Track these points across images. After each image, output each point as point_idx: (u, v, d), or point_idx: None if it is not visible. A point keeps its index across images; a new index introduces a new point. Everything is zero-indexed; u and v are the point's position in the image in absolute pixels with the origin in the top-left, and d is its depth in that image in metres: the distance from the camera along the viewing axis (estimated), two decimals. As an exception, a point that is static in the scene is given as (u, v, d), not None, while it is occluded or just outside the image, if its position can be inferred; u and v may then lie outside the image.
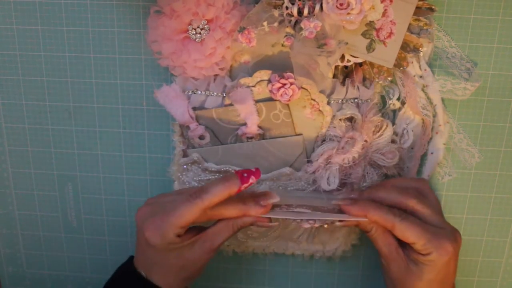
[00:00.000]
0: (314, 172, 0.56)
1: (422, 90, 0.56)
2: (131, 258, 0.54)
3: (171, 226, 0.48)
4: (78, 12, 0.57)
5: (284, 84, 0.53)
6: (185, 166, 0.57)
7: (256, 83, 0.55)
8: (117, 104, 0.60)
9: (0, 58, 0.60)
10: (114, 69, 0.59)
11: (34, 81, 0.60)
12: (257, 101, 0.55)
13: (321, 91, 0.55)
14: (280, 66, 0.54)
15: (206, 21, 0.53)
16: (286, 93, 0.53)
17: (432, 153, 0.57)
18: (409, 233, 0.49)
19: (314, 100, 0.55)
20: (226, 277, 0.65)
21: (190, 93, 0.56)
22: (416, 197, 0.52)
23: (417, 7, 0.52)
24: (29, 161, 0.63)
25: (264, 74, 0.54)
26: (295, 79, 0.53)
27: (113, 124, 0.61)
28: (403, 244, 0.51)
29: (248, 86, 0.54)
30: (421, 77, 0.55)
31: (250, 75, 0.55)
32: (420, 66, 0.55)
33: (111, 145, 0.62)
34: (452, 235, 0.50)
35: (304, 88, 0.54)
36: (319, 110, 0.55)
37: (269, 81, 0.54)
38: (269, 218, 0.51)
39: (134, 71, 0.59)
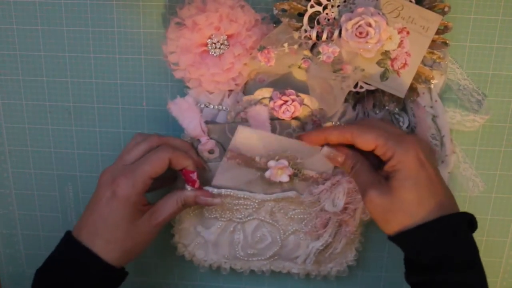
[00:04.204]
0: (318, 194, 0.56)
1: (432, 120, 0.56)
2: (69, 232, 0.53)
3: (142, 174, 0.51)
4: (78, 12, 0.57)
5: (286, 101, 0.54)
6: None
7: (258, 101, 0.55)
8: (117, 104, 0.60)
9: (0, 58, 0.60)
10: (114, 69, 0.59)
11: (34, 81, 0.60)
12: (272, 119, 0.55)
13: (333, 115, 0.55)
14: (294, 87, 0.55)
15: (226, 36, 0.53)
16: (288, 110, 0.54)
17: None
18: (368, 135, 0.50)
19: (315, 116, 0.55)
20: (226, 277, 0.65)
21: (202, 106, 0.56)
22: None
23: (432, 41, 0.53)
24: (29, 161, 0.63)
25: (265, 92, 0.55)
26: (296, 96, 0.54)
27: (113, 124, 0.61)
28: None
29: (259, 103, 0.55)
30: (431, 107, 0.55)
31: None
32: (431, 97, 0.56)
33: (111, 145, 0.62)
34: (410, 133, 0.51)
35: (305, 105, 0.55)
36: (320, 126, 0.56)
37: (271, 98, 0.54)
38: (212, 195, 0.55)
39: (134, 71, 0.59)
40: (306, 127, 0.56)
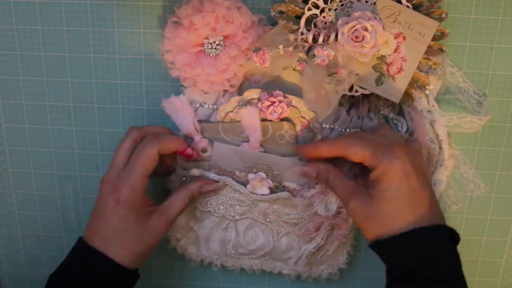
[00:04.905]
0: (311, 198, 0.56)
1: (430, 124, 0.56)
2: (82, 238, 0.54)
3: (138, 177, 0.51)
4: (78, 12, 0.57)
5: (273, 102, 0.54)
6: (184, 178, 0.57)
7: (247, 101, 0.55)
8: (117, 104, 0.60)
9: (0, 58, 0.60)
10: (114, 69, 0.59)
11: (34, 81, 0.60)
12: (264, 120, 0.55)
13: (326, 118, 0.55)
14: (290, 89, 0.55)
15: (222, 37, 0.54)
16: (275, 111, 0.54)
17: (435, 184, 0.57)
18: (356, 147, 0.50)
19: (303, 117, 0.55)
20: (226, 277, 0.65)
21: (197, 105, 0.56)
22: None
23: (429, 47, 0.53)
24: (29, 161, 0.63)
25: (253, 93, 0.55)
26: (284, 97, 0.54)
27: (113, 124, 0.61)
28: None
29: (244, 104, 0.55)
30: (429, 112, 0.56)
31: None
32: (428, 101, 0.56)
33: (111, 145, 0.62)
34: (400, 141, 0.51)
35: (293, 106, 0.55)
36: (309, 127, 0.56)
37: (259, 99, 0.55)
38: (214, 181, 0.56)
39: (134, 71, 0.59)
40: (297, 129, 0.56)
